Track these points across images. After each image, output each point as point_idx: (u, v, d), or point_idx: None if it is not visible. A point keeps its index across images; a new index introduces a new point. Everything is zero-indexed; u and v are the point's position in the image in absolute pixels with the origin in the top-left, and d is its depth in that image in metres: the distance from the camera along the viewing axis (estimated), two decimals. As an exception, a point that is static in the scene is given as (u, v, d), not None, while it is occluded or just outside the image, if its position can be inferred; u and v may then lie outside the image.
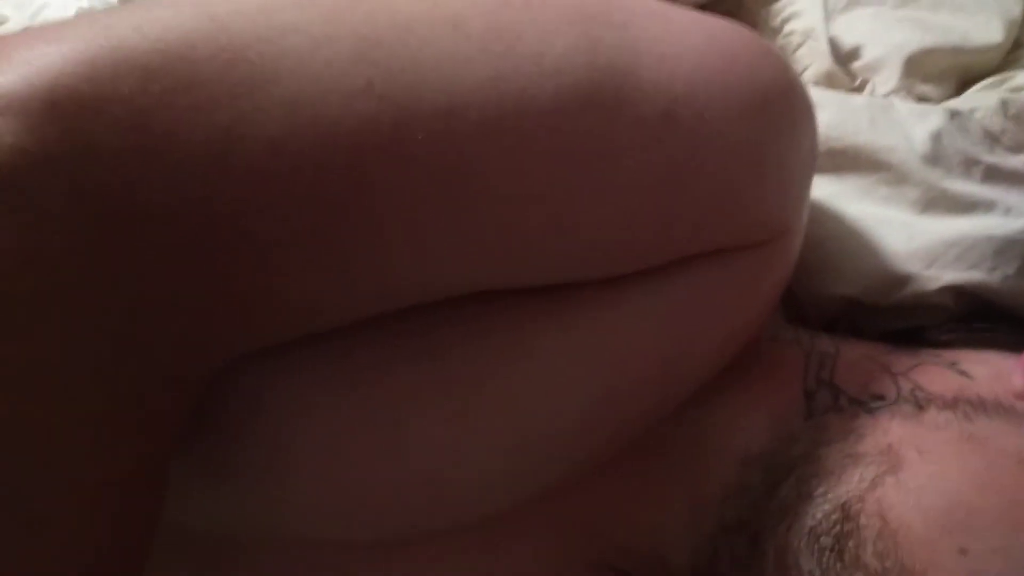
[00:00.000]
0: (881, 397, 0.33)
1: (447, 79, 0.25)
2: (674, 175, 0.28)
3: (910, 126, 0.42)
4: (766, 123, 0.30)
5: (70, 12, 0.63)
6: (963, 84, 0.50)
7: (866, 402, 0.33)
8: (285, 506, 0.31)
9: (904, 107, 0.44)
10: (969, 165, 0.41)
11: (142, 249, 0.22)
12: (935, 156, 0.41)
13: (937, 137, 0.42)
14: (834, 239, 0.41)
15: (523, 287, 0.29)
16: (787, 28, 0.51)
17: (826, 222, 0.42)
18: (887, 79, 0.48)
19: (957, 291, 0.39)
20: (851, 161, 0.43)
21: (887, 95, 0.48)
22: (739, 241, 0.32)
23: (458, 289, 0.28)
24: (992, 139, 0.43)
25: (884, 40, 0.50)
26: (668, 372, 0.33)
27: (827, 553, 0.29)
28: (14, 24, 0.66)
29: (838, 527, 0.29)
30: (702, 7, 0.56)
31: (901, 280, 0.40)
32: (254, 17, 0.24)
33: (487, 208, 0.26)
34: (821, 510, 0.30)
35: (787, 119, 0.31)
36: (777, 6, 0.52)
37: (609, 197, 0.28)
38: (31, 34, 0.23)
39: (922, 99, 0.48)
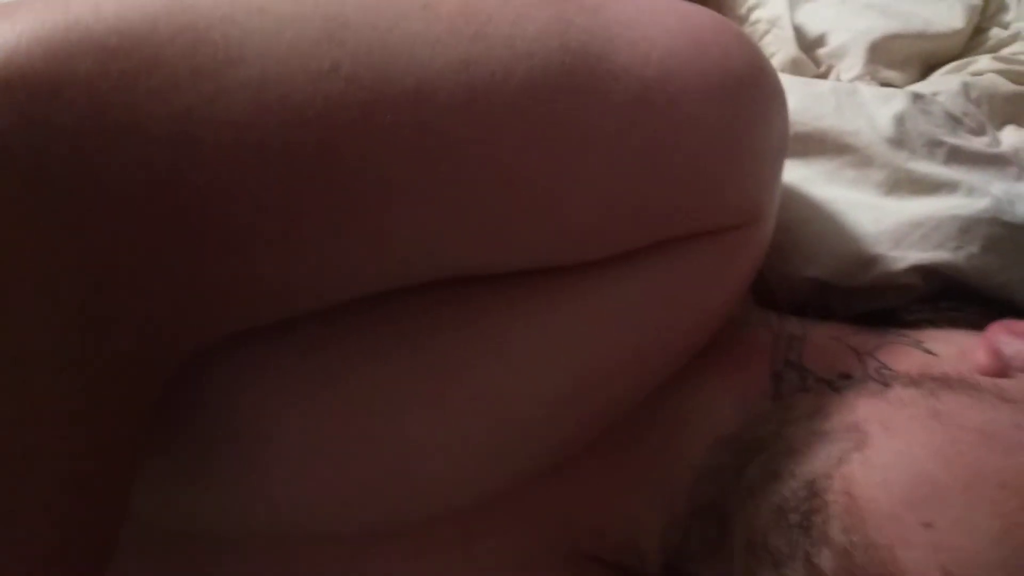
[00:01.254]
0: (848, 376, 0.33)
1: (416, 61, 0.25)
2: (648, 159, 0.28)
3: (874, 109, 0.43)
4: (739, 107, 0.30)
5: None
6: (926, 69, 0.51)
7: (833, 381, 0.33)
8: (263, 501, 0.30)
9: (868, 91, 0.44)
10: (933, 147, 0.42)
11: (105, 232, 0.22)
12: (899, 139, 0.42)
13: (901, 120, 0.42)
14: (803, 222, 0.42)
15: (498, 272, 0.29)
16: (753, 16, 0.51)
17: (795, 206, 0.42)
18: (851, 65, 0.49)
19: (924, 271, 0.40)
20: (818, 145, 0.43)
21: (852, 81, 0.48)
22: (713, 225, 0.32)
23: (431, 274, 0.28)
24: (955, 121, 0.43)
25: (848, 27, 0.51)
26: (642, 357, 0.33)
27: (795, 530, 0.29)
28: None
29: (805, 504, 0.29)
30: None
31: (869, 261, 0.40)
32: None
33: (460, 190, 0.26)
34: (788, 488, 0.30)
35: (759, 103, 0.32)
36: (743, -5, 0.52)
37: (583, 181, 0.28)
38: None
39: (886, 85, 0.49)
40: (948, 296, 0.39)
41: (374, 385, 0.29)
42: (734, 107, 0.30)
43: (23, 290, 0.21)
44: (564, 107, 0.26)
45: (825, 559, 0.28)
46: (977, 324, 0.37)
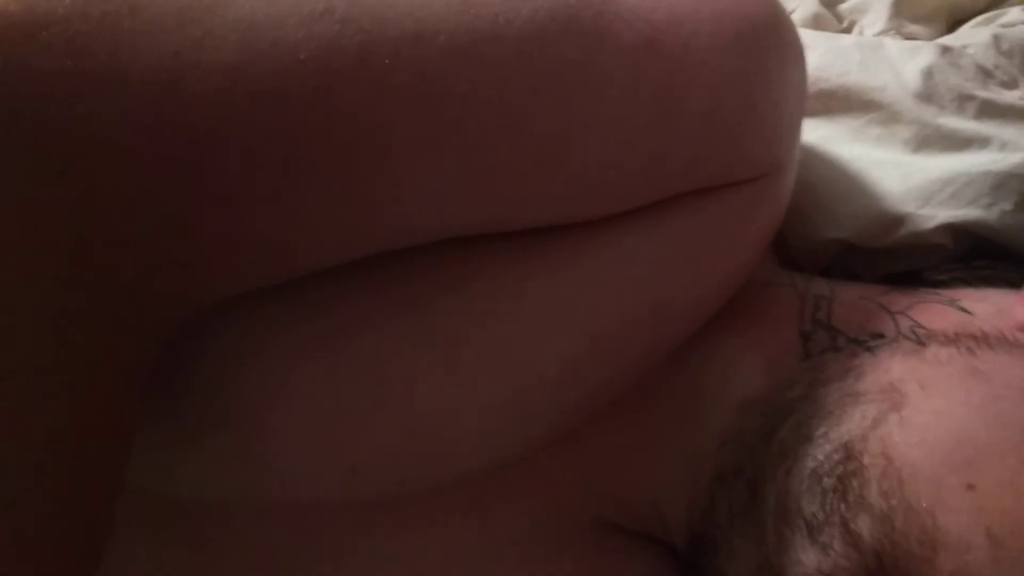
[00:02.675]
0: (880, 335, 0.32)
1: (414, 2, 0.24)
2: (661, 106, 0.27)
3: (901, 64, 0.41)
4: (754, 54, 0.29)
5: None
6: (953, 23, 0.49)
7: (865, 341, 0.32)
8: (269, 468, 0.29)
9: (894, 45, 0.42)
10: (963, 101, 0.40)
11: (88, 182, 0.21)
12: (927, 93, 0.40)
13: (929, 74, 0.40)
14: (826, 182, 0.40)
15: (507, 230, 0.28)
16: (771, -29, 0.49)
17: (818, 165, 0.41)
18: (875, 20, 0.47)
19: (954, 229, 0.38)
20: (842, 102, 0.41)
21: (876, 36, 0.46)
22: (730, 177, 0.31)
23: (437, 232, 0.27)
24: (985, 74, 0.41)
25: (871, -20, 0.49)
26: (659, 316, 0.31)
27: (830, 495, 0.28)
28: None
29: (841, 468, 0.28)
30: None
31: (896, 221, 0.38)
32: None
33: (465, 140, 0.25)
34: (822, 451, 0.28)
35: (775, 51, 0.30)
36: (760, -50, 0.50)
37: (594, 130, 0.26)
38: None
39: (911, 39, 0.47)
40: (979, 255, 0.38)
41: (382, 347, 0.28)
42: (749, 53, 0.29)
43: (3, 244, 0.20)
44: (570, 51, 0.25)
45: (863, 524, 0.27)
46: (1013, 282, 0.35)
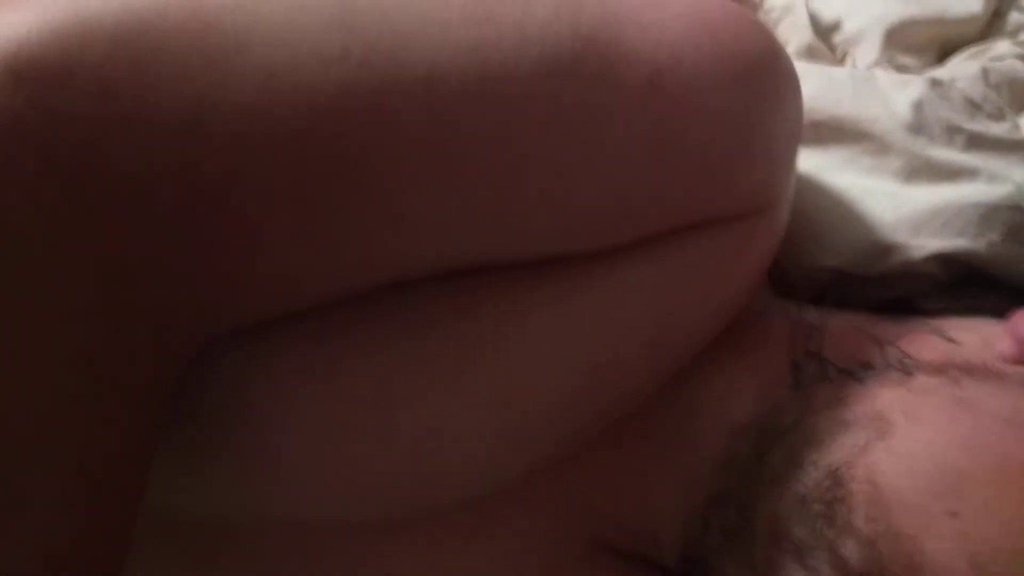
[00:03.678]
0: (869, 366, 0.33)
1: (428, 46, 0.25)
2: (661, 143, 0.28)
3: (892, 96, 0.42)
4: (752, 92, 0.30)
5: None
6: (944, 54, 0.50)
7: (854, 371, 0.33)
8: (276, 488, 0.30)
9: (886, 78, 0.43)
10: (952, 133, 0.41)
11: (116, 220, 0.22)
12: (918, 125, 0.41)
13: (919, 106, 0.41)
14: (820, 211, 0.41)
15: (513, 261, 0.29)
16: (768, 3, 0.51)
17: (811, 194, 0.42)
18: (868, 51, 0.48)
19: (944, 259, 0.39)
20: (835, 132, 0.42)
21: (868, 67, 0.48)
22: (727, 211, 0.32)
23: (444, 263, 0.28)
24: (974, 107, 0.43)
25: (864, 12, 0.50)
26: (657, 345, 0.33)
27: (818, 520, 0.29)
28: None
29: (829, 493, 0.29)
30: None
31: (887, 249, 0.40)
32: None
33: (472, 177, 0.26)
34: (811, 477, 0.29)
35: (772, 88, 0.31)
36: (757, -19, 0.51)
37: (597, 166, 0.27)
38: None
39: (903, 70, 0.48)
40: (968, 284, 0.39)
41: (386, 373, 0.29)
42: (747, 92, 0.30)
43: (34, 279, 0.21)
44: (575, 92, 0.26)
45: (850, 549, 0.28)
46: (999, 312, 0.36)
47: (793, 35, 0.49)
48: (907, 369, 0.32)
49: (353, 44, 0.24)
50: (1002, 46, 0.48)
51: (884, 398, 0.31)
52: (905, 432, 0.29)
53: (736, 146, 0.30)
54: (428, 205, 0.25)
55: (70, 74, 0.21)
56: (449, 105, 0.25)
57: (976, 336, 0.34)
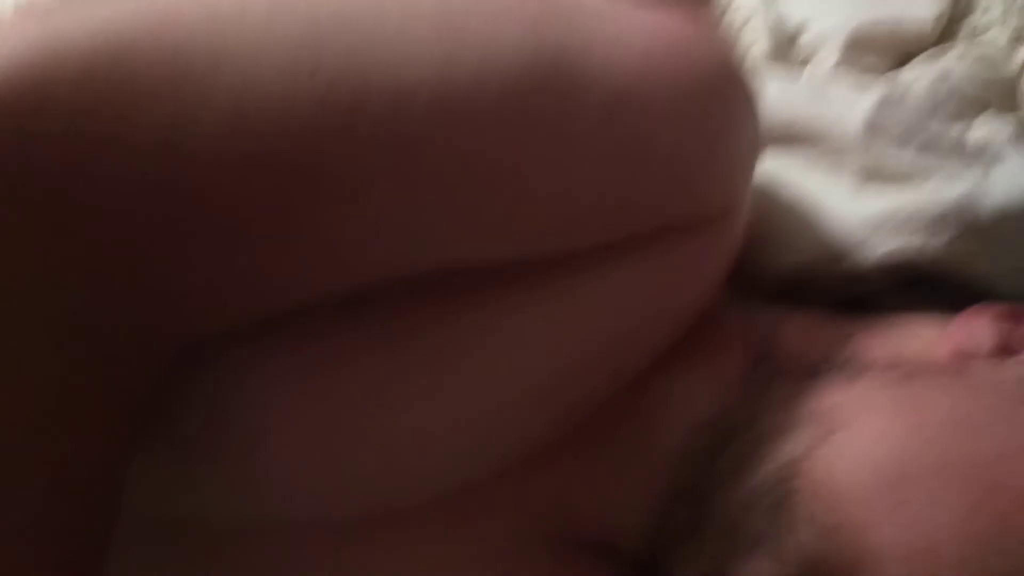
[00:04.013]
0: (821, 363, 0.35)
1: (396, 62, 0.25)
2: (626, 155, 0.29)
3: (850, 100, 0.43)
4: (711, 106, 0.31)
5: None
6: (903, 59, 0.51)
7: (807, 369, 0.34)
8: (259, 489, 0.31)
9: (845, 82, 0.45)
10: (906, 137, 0.42)
11: (92, 238, 0.22)
12: (872, 131, 0.42)
13: (876, 110, 0.43)
14: (781, 211, 0.43)
15: (481, 264, 0.30)
16: (735, 4, 0.52)
17: (773, 195, 0.43)
18: (829, 55, 0.49)
19: (896, 262, 0.41)
20: (793, 137, 0.44)
21: (829, 71, 0.49)
22: (690, 218, 0.33)
23: (416, 266, 0.29)
24: (926, 115, 0.44)
25: (827, 16, 0.51)
26: (622, 346, 0.34)
27: (770, 513, 0.30)
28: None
29: (779, 488, 0.30)
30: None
31: (842, 252, 0.41)
32: (197, 4, 0.24)
33: (441, 187, 0.27)
34: (762, 472, 0.31)
35: (731, 101, 0.33)
36: (723, -16, 0.52)
37: (561, 178, 0.29)
38: None
39: (863, 74, 0.50)
40: (920, 284, 0.41)
41: (365, 378, 0.29)
42: (705, 105, 0.31)
43: (9, 293, 0.21)
44: (541, 109, 0.27)
45: (801, 540, 0.29)
46: (948, 312, 0.38)
47: (758, 38, 0.50)
48: (858, 368, 0.34)
49: (323, 62, 0.24)
50: (957, 50, 0.49)
51: (834, 396, 0.32)
52: (853, 429, 0.31)
53: (698, 156, 0.31)
54: (399, 214, 0.26)
55: (45, 100, 0.22)
56: (419, 121, 0.25)
57: (924, 336, 0.36)
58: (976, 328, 0.35)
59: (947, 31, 0.53)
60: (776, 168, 0.44)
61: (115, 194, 0.22)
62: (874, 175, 0.42)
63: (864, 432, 0.30)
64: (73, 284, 0.22)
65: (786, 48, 0.50)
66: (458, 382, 0.30)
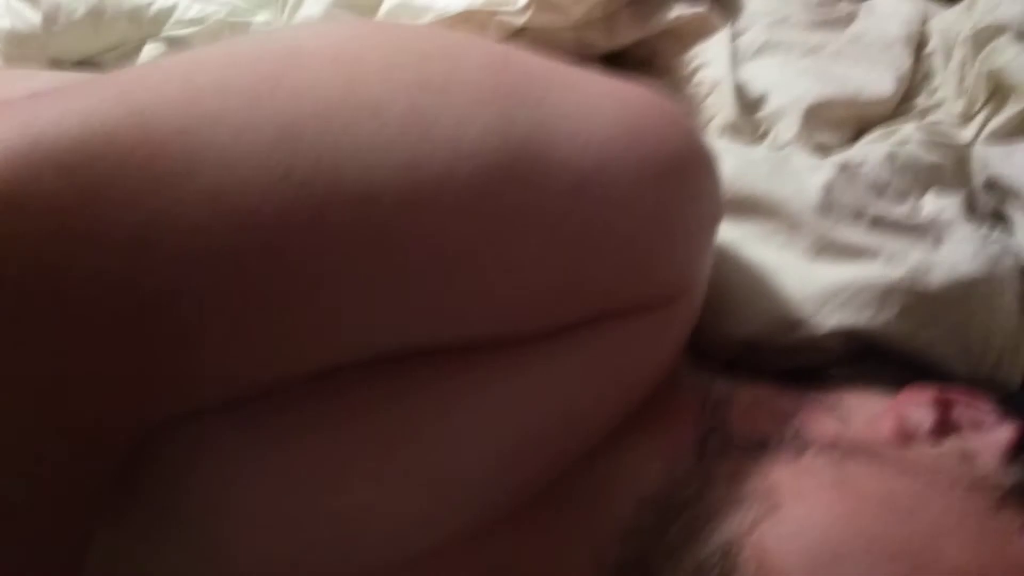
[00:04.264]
0: (766, 441, 0.36)
1: (365, 166, 0.26)
2: (583, 241, 0.30)
3: (804, 178, 0.45)
4: (671, 190, 0.32)
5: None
6: (859, 132, 0.54)
7: (752, 445, 0.36)
8: (217, 561, 0.31)
9: (800, 159, 0.47)
10: (857, 215, 0.44)
11: (60, 335, 0.23)
12: (826, 206, 0.44)
13: (829, 188, 0.45)
14: (734, 284, 0.44)
15: (438, 346, 0.31)
16: (697, 77, 0.54)
17: (727, 266, 0.44)
18: (787, 128, 0.51)
19: (845, 334, 0.42)
20: (751, 209, 0.45)
21: (787, 144, 0.51)
22: (645, 300, 0.34)
23: (374, 351, 0.30)
24: (879, 189, 0.46)
25: (788, 90, 0.53)
26: (575, 423, 0.35)
27: None
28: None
29: (719, 567, 0.31)
30: (618, 54, 0.58)
31: (794, 323, 0.43)
32: (176, 107, 0.25)
33: (403, 280, 0.28)
34: (705, 550, 0.32)
35: (692, 184, 0.34)
36: (688, 55, 0.54)
37: (521, 265, 0.30)
38: None
39: (820, 147, 0.52)
40: (868, 357, 0.42)
41: (319, 456, 0.30)
42: (667, 190, 0.32)
43: None
44: (504, 201, 0.28)
45: None
46: (892, 386, 0.39)
47: (719, 111, 0.52)
48: (800, 447, 0.35)
49: (296, 165, 0.25)
50: (908, 128, 0.51)
51: (776, 475, 0.33)
52: (790, 511, 0.32)
53: (657, 240, 0.33)
54: (359, 305, 0.27)
55: (24, 200, 0.22)
56: (384, 218, 0.26)
57: (866, 413, 0.37)
58: (915, 409, 0.36)
59: (903, 106, 0.55)
60: (732, 239, 0.45)
61: (87, 292, 0.23)
62: (824, 251, 0.44)
63: (801, 514, 0.32)
64: (33, 378, 0.23)
65: (747, 120, 0.52)
66: (411, 459, 0.31)
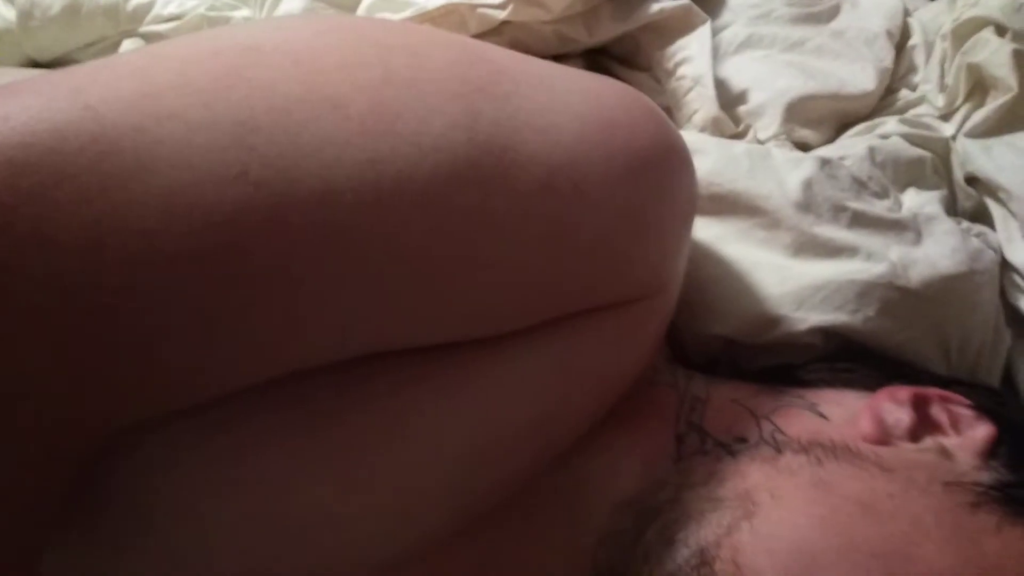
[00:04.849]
0: (744, 440, 0.35)
1: (324, 163, 0.25)
2: (553, 240, 0.30)
3: (785, 174, 0.45)
4: (644, 186, 0.32)
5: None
6: (840, 128, 0.53)
7: (730, 445, 0.35)
8: (183, 570, 0.31)
9: (780, 155, 0.46)
10: (837, 211, 0.44)
11: (14, 338, 0.22)
12: (807, 203, 0.44)
13: (808, 185, 0.44)
14: (713, 281, 0.44)
15: (407, 347, 0.30)
16: (679, 71, 0.53)
17: (707, 264, 0.44)
18: (769, 124, 0.51)
19: (824, 331, 0.42)
20: (731, 206, 0.45)
21: (768, 140, 0.50)
22: (619, 298, 0.33)
23: (340, 354, 0.29)
24: (859, 185, 0.46)
25: (769, 85, 0.53)
26: (547, 425, 0.34)
27: None
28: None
29: (696, 572, 0.31)
30: (600, 49, 0.58)
31: (773, 321, 0.42)
32: (130, 104, 0.24)
33: (366, 280, 0.27)
34: (681, 555, 0.31)
35: (665, 180, 0.33)
36: (671, 49, 0.54)
37: (489, 264, 0.29)
38: None
39: (801, 143, 0.51)
40: (846, 355, 0.42)
41: (288, 461, 0.29)
42: (639, 187, 0.31)
43: None
44: (469, 198, 0.28)
45: None
46: (870, 385, 0.39)
47: (700, 106, 0.51)
48: (778, 446, 0.34)
49: (251, 163, 0.24)
50: (890, 123, 0.51)
51: (753, 477, 0.33)
52: (768, 513, 0.31)
53: (629, 237, 0.32)
54: (322, 306, 0.27)
55: None
56: (344, 216, 0.26)
57: (844, 411, 0.37)
58: (893, 408, 0.36)
59: (882, 103, 0.55)
60: (710, 237, 0.45)
61: (37, 293, 0.22)
62: (804, 249, 0.43)
63: (778, 516, 0.31)
64: None
65: (726, 118, 0.51)
66: (377, 464, 0.31)
